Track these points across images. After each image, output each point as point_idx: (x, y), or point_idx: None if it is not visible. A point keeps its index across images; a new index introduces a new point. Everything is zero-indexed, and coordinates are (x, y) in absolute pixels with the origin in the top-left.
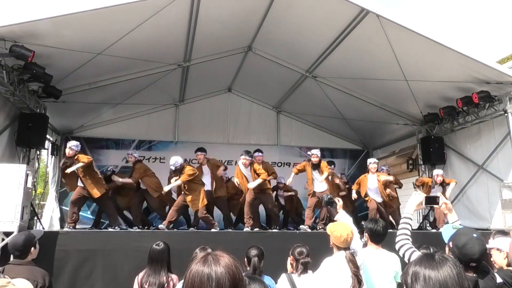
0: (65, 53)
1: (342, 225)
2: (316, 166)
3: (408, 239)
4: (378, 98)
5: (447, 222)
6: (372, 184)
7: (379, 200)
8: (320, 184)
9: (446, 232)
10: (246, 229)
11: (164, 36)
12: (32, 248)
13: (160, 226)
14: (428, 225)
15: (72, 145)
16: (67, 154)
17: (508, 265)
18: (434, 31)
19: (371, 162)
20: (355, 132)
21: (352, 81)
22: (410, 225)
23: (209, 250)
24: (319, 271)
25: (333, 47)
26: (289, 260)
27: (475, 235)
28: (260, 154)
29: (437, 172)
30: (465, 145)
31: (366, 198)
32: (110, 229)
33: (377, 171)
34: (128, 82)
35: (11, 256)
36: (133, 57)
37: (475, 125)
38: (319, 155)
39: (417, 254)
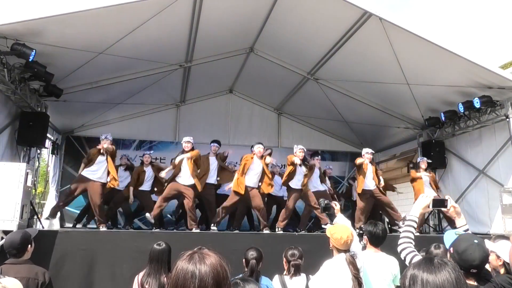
0: (67, 52)
1: (342, 227)
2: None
3: (411, 243)
4: (379, 101)
5: (446, 228)
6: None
7: (373, 187)
8: (297, 182)
9: (448, 238)
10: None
11: (166, 36)
12: (29, 246)
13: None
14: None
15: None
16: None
17: (508, 271)
18: (437, 35)
19: (368, 152)
20: (356, 135)
21: (354, 84)
22: (415, 228)
23: (205, 250)
24: (319, 273)
25: (335, 49)
26: (284, 261)
27: (476, 241)
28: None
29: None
30: (465, 150)
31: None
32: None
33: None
34: (129, 82)
35: (7, 255)
36: (135, 57)
37: (476, 130)
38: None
39: (418, 258)
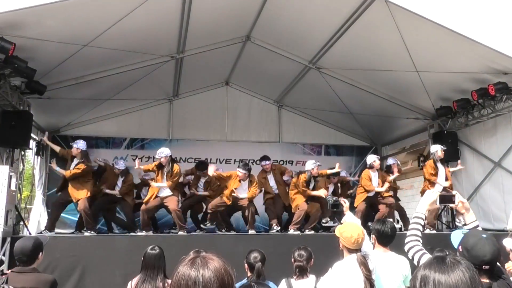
0: (49, 45)
1: (352, 225)
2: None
3: (419, 241)
4: (387, 91)
5: (455, 226)
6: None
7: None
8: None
9: (455, 237)
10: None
11: (155, 26)
12: (40, 253)
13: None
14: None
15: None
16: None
17: None
18: (447, 17)
19: (375, 160)
20: (362, 128)
21: (359, 72)
22: (422, 226)
23: (203, 253)
24: (329, 275)
25: (338, 35)
26: (292, 262)
27: (484, 235)
28: (267, 162)
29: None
30: (479, 141)
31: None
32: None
33: (380, 168)
34: (117, 76)
35: (16, 262)
36: (123, 49)
37: (491, 119)
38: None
39: (427, 256)
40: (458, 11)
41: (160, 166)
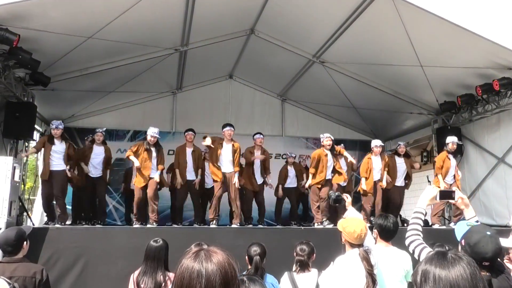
0: (54, 37)
1: (355, 220)
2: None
3: (419, 235)
4: (390, 85)
5: (464, 219)
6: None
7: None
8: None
9: (459, 229)
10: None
11: (159, 18)
12: (24, 243)
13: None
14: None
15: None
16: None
17: None
18: (452, 12)
19: (377, 145)
20: (366, 122)
21: (363, 66)
22: (422, 220)
23: (205, 247)
24: (330, 270)
25: (342, 29)
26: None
27: (489, 232)
28: (260, 136)
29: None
30: (483, 136)
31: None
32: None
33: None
34: (121, 68)
35: (2, 253)
36: (127, 41)
37: (494, 115)
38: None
39: (427, 250)
40: (463, 5)
41: (148, 149)
